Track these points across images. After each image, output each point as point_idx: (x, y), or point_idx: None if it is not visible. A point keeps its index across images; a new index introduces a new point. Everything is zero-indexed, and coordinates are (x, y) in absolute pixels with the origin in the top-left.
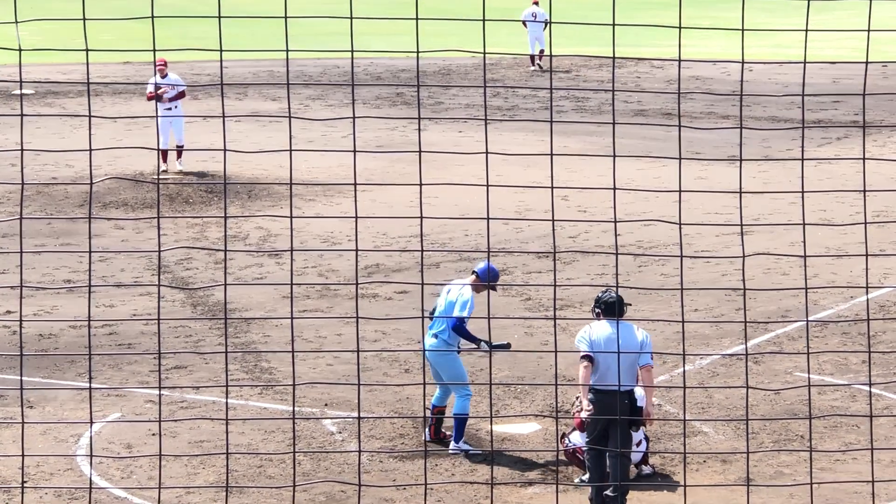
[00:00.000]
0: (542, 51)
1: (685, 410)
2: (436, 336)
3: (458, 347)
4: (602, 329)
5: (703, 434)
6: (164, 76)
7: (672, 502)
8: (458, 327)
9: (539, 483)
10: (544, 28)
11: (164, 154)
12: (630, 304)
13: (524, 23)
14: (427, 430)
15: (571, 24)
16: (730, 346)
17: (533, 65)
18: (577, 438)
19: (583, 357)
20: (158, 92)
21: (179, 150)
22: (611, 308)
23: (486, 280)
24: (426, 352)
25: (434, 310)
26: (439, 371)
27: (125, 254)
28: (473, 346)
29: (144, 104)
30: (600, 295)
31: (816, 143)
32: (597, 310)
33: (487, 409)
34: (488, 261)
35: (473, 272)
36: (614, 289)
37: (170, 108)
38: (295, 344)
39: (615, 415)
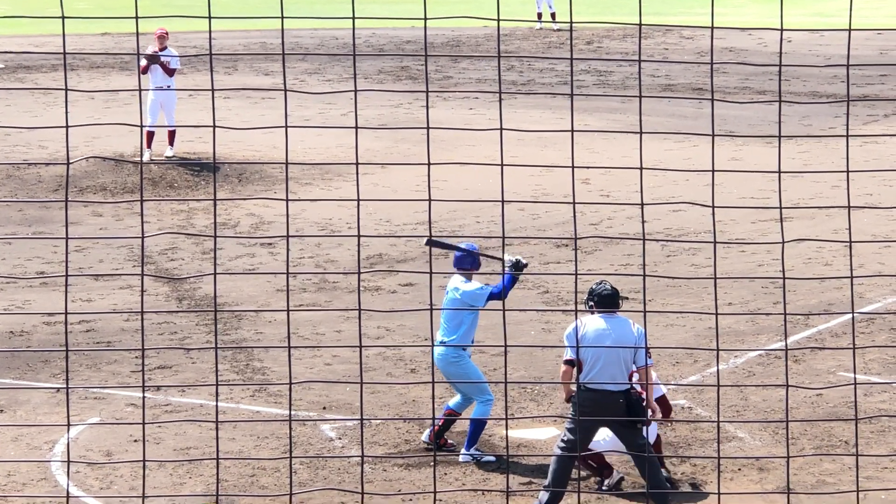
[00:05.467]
0: (552, 14)
1: (719, 413)
2: (443, 343)
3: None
4: (595, 324)
5: (738, 440)
6: (162, 48)
7: None
8: (498, 294)
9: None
10: None
11: (150, 137)
12: (627, 298)
13: None
14: (428, 430)
15: None
16: (767, 342)
17: (539, 20)
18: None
19: (566, 361)
20: (157, 63)
21: (171, 135)
22: (605, 301)
23: (462, 265)
24: (436, 360)
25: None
26: (453, 381)
27: (104, 242)
28: (508, 277)
29: (124, 79)
30: (594, 287)
31: (862, 120)
32: (590, 302)
33: (501, 412)
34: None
35: (461, 268)
36: (608, 282)
37: (162, 87)
38: (290, 341)
39: (608, 415)
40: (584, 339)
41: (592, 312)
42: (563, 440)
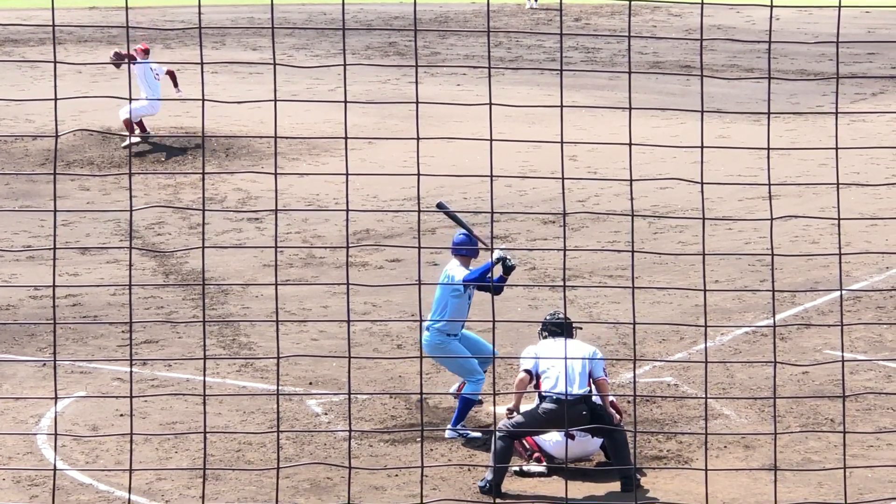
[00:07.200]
0: None
1: (706, 390)
2: (428, 329)
3: (459, 328)
4: (549, 343)
5: (723, 417)
6: (143, 60)
7: (690, 490)
8: (478, 277)
9: (544, 468)
10: None
11: (141, 123)
12: (580, 328)
13: None
14: (456, 385)
15: None
16: (754, 320)
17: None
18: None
19: (524, 370)
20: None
21: (129, 123)
22: (557, 330)
23: (459, 251)
24: (423, 346)
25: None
26: (442, 364)
27: (91, 216)
28: (494, 267)
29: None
30: (547, 318)
31: (849, 98)
32: (544, 333)
33: (487, 389)
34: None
35: (458, 254)
36: (561, 312)
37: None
38: (277, 316)
39: (571, 420)
40: (542, 356)
41: (545, 338)
42: (515, 423)
